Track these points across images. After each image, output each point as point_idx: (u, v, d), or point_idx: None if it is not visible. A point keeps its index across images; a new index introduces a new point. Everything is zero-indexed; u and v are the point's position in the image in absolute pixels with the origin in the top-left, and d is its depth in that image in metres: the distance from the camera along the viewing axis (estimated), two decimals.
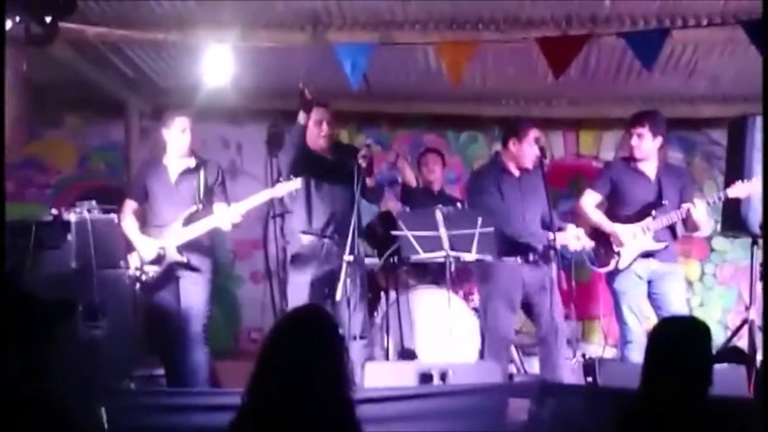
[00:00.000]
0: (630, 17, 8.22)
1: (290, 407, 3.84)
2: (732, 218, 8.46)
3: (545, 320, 7.99)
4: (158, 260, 7.74)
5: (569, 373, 7.78)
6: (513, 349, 8.80)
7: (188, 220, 7.71)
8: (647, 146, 7.99)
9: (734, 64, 9.18)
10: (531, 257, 7.94)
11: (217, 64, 8.20)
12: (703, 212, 7.90)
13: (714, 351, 4.46)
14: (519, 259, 7.91)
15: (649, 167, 8.08)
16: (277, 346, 3.99)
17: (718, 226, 9.10)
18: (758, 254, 8.25)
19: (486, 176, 8.22)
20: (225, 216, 7.71)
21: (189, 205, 7.78)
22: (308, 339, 3.95)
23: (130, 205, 8.05)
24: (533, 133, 8.01)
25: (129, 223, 7.96)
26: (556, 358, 7.89)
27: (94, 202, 7.55)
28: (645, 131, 7.96)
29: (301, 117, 7.69)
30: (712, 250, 11.31)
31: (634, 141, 8.03)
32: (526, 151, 7.99)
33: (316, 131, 7.89)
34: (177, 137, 7.93)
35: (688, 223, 8.00)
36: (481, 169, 8.62)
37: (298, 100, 7.64)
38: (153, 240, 7.79)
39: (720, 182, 9.66)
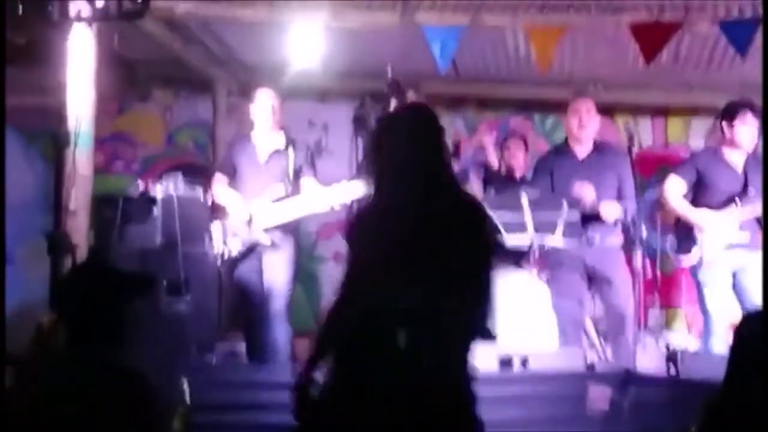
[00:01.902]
0: (724, 4, 8.10)
1: None
2: None
3: (608, 307, 7.97)
4: (245, 228, 7.75)
5: (650, 362, 7.68)
6: (594, 336, 8.73)
7: (277, 200, 7.72)
8: (752, 134, 7.86)
9: None
10: (590, 240, 7.83)
11: (305, 43, 8.22)
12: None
13: None
14: (576, 242, 7.70)
15: (738, 157, 7.92)
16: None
17: None
18: None
19: (545, 159, 8.19)
20: (320, 202, 7.65)
21: (277, 183, 7.78)
22: None
23: (221, 179, 8.08)
24: (583, 105, 7.95)
25: (221, 187, 8.00)
26: (622, 348, 7.76)
27: (180, 175, 7.64)
28: (750, 119, 7.82)
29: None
30: None
31: (740, 130, 7.86)
32: (571, 123, 7.96)
33: None
34: (263, 111, 7.96)
35: None
36: (545, 153, 8.56)
37: (391, 91, 7.64)
38: (244, 205, 7.79)
39: None
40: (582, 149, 7.99)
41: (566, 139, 8.17)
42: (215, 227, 7.80)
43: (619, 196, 7.86)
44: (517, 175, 9.37)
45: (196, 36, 9.63)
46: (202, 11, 8.58)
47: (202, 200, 7.78)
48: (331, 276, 10.74)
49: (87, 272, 4.37)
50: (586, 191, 7.75)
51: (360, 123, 7.81)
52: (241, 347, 8.08)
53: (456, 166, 7.84)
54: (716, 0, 8.05)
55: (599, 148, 8.02)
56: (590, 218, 7.78)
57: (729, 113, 7.91)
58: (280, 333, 7.82)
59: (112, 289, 4.14)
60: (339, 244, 10.25)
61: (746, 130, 7.83)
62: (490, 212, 7.48)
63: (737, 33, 7.60)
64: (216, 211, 8.01)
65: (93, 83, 7.31)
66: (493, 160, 9.56)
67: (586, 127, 7.94)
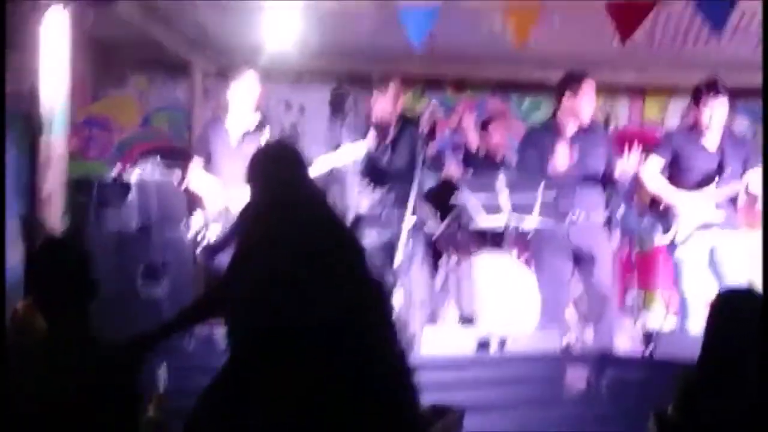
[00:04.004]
0: None
1: None
2: None
3: (590, 286, 7.93)
4: (222, 217, 7.70)
5: (627, 342, 7.69)
6: (573, 318, 8.72)
7: None
8: (718, 116, 7.85)
9: None
10: (574, 220, 7.81)
11: (282, 24, 8.19)
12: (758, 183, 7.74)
13: None
14: (558, 221, 7.69)
15: (712, 137, 7.92)
16: None
17: None
18: None
19: (530, 137, 8.12)
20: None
21: None
22: None
23: (198, 162, 8.02)
24: (591, 87, 7.92)
25: (197, 175, 7.94)
26: (604, 327, 7.76)
27: (158, 158, 7.60)
28: (713, 101, 7.81)
29: (374, 100, 7.79)
30: None
31: (707, 111, 7.83)
32: (583, 105, 7.91)
33: (392, 103, 7.88)
34: (245, 94, 7.89)
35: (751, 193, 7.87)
36: (530, 130, 8.52)
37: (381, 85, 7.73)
38: (221, 193, 7.75)
39: None
40: (571, 127, 7.95)
41: (553, 115, 8.12)
42: (193, 214, 7.75)
43: (610, 172, 7.84)
44: (498, 156, 9.32)
45: (171, 18, 9.57)
46: None
47: (177, 185, 7.73)
48: None
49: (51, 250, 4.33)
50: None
51: (337, 105, 7.81)
52: (219, 333, 8.03)
53: (431, 148, 7.84)
54: None
55: (587, 126, 7.98)
56: (574, 195, 7.76)
57: (695, 96, 7.92)
58: None
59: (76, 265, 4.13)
60: None
61: (711, 113, 7.81)
62: (469, 194, 7.55)
63: (712, 11, 7.58)
64: (193, 197, 7.97)
65: (68, 67, 7.27)
66: (473, 141, 9.52)
67: (593, 108, 7.94)
